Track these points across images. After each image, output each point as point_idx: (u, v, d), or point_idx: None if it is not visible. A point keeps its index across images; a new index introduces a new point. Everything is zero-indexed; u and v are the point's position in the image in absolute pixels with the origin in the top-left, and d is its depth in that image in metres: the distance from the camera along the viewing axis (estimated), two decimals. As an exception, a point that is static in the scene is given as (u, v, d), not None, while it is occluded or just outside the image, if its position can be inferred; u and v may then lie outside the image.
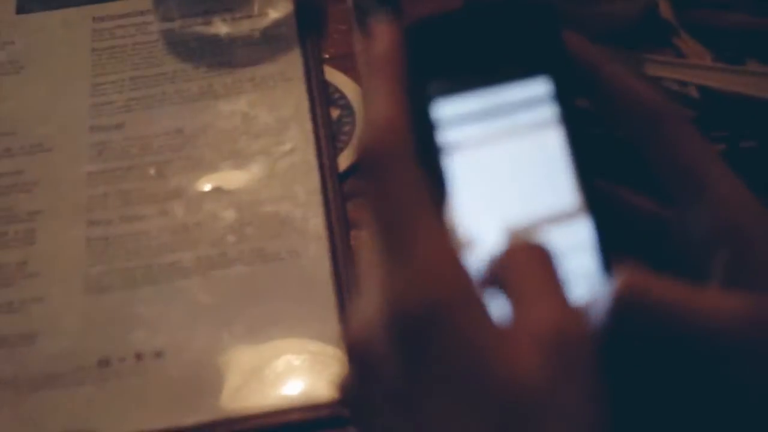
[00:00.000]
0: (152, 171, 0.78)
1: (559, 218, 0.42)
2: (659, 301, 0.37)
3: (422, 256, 0.36)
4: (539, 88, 0.43)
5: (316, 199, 0.75)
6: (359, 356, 0.39)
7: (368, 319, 0.38)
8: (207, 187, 0.77)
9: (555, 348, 0.35)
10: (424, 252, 0.36)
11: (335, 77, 0.84)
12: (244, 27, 0.87)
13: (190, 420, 0.64)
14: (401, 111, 0.38)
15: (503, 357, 0.35)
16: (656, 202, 0.45)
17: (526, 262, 0.38)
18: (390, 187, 0.37)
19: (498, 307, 0.38)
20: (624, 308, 0.37)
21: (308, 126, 0.80)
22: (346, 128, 0.80)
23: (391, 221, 0.37)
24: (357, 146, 0.39)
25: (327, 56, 0.85)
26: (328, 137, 0.79)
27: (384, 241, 0.37)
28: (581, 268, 0.42)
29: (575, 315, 0.36)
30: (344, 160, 0.78)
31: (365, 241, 0.41)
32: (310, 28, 0.87)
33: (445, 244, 0.37)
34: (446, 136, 0.41)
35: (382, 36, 0.41)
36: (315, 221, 0.74)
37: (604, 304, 0.38)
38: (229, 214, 0.75)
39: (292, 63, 0.84)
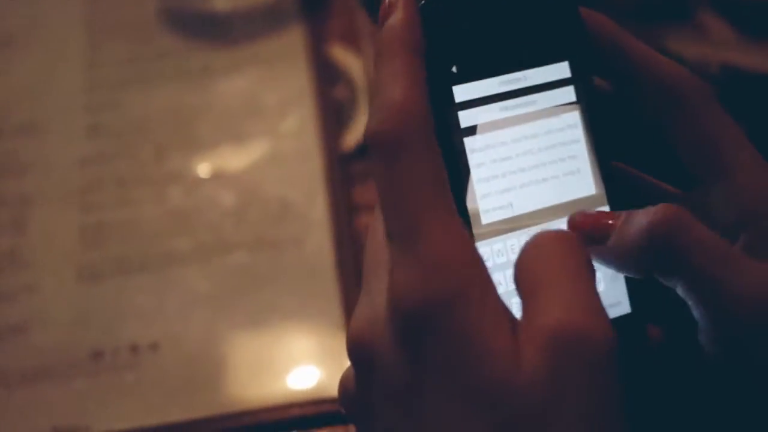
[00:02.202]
0: (149, 153, 0.76)
1: (577, 202, 0.42)
2: (696, 238, 0.37)
3: (433, 250, 0.34)
4: (557, 69, 0.42)
5: (319, 183, 0.73)
6: (360, 353, 0.37)
7: (371, 315, 0.37)
8: (205, 170, 0.75)
9: (561, 348, 0.33)
10: (435, 246, 0.34)
11: (340, 55, 0.82)
12: (245, 2, 0.85)
13: (187, 416, 0.62)
14: (420, 92, 0.36)
15: (506, 359, 0.33)
16: (676, 182, 0.44)
17: (540, 253, 0.36)
18: (404, 175, 0.35)
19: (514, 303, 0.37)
20: (661, 235, 0.37)
21: (311, 106, 0.78)
22: (351, 109, 0.78)
23: (403, 211, 0.35)
24: (367, 129, 0.36)
25: (331, 33, 0.83)
26: (331, 118, 0.77)
27: (393, 233, 0.35)
28: None
29: (584, 311, 0.34)
30: (348, 143, 0.75)
31: (371, 231, 0.39)
32: (313, 3, 0.85)
33: (459, 239, 0.35)
34: (462, 118, 0.40)
35: (398, 10, 0.39)
36: (317, 206, 0.72)
37: (643, 224, 0.37)
38: (229, 199, 0.73)
39: (295, 40, 0.82)
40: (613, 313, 0.41)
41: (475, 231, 0.39)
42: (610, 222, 0.39)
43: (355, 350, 0.37)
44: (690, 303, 0.37)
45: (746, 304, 0.36)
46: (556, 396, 0.33)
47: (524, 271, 0.36)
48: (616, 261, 0.39)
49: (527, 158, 0.41)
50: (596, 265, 0.40)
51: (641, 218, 0.38)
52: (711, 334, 0.37)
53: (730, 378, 0.38)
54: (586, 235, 0.39)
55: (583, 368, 0.33)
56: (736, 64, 0.70)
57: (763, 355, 0.37)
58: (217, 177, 0.74)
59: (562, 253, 0.36)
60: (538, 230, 0.40)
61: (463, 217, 0.39)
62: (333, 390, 0.40)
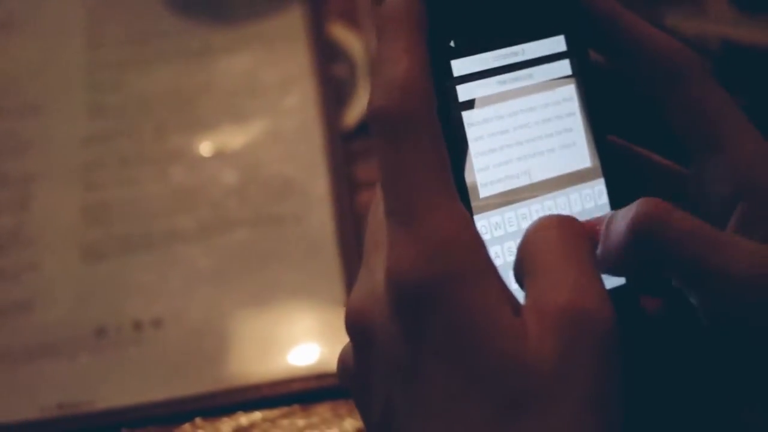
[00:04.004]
0: (150, 132, 0.76)
1: (573, 175, 0.41)
2: (679, 228, 0.36)
3: (433, 228, 0.34)
4: (554, 43, 0.42)
5: (320, 161, 0.73)
6: (358, 328, 0.37)
7: (370, 291, 0.36)
8: (207, 149, 0.75)
9: (566, 327, 0.33)
10: (435, 225, 0.34)
11: (341, 33, 0.82)
12: (245, -19, 0.85)
13: (190, 391, 0.62)
14: (422, 69, 0.36)
15: (511, 335, 0.33)
16: (672, 159, 0.44)
17: (545, 236, 0.36)
18: (406, 152, 0.35)
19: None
20: (643, 232, 0.36)
21: (311, 84, 0.78)
22: (351, 87, 0.78)
23: (404, 188, 0.35)
24: (369, 106, 0.36)
25: (331, 11, 0.83)
26: (332, 96, 0.77)
27: (395, 209, 0.35)
28: None
29: (590, 292, 0.34)
30: (349, 120, 0.76)
31: (373, 208, 0.39)
32: (314, -19, 0.84)
33: (459, 218, 0.35)
34: (460, 92, 0.40)
35: None
36: (319, 183, 0.72)
37: (623, 226, 0.36)
38: (230, 177, 0.73)
39: (295, 19, 0.82)
40: (608, 284, 0.41)
41: (473, 204, 0.39)
42: (597, 228, 0.38)
43: (353, 325, 0.37)
44: (685, 292, 0.37)
45: (739, 286, 0.36)
46: (563, 374, 0.33)
47: (527, 253, 0.36)
48: (610, 267, 0.38)
49: (524, 132, 0.41)
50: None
51: (621, 219, 0.37)
52: (710, 318, 0.37)
53: (730, 353, 0.38)
54: None
55: (591, 347, 0.33)
56: (735, 40, 0.70)
57: (760, 331, 0.36)
58: (219, 155, 0.74)
59: (565, 236, 0.36)
60: (535, 203, 0.40)
61: (461, 190, 0.39)
62: (334, 365, 0.40)
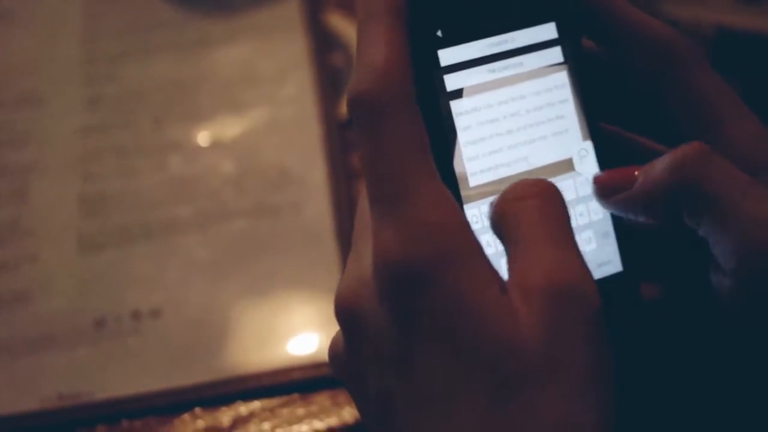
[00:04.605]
0: (148, 123, 0.76)
1: (566, 162, 0.41)
2: (719, 169, 0.37)
3: (418, 209, 0.34)
4: (544, 30, 0.41)
5: (317, 150, 0.73)
6: (348, 315, 0.37)
7: (358, 276, 0.36)
8: (205, 139, 0.75)
9: (553, 305, 0.33)
10: (419, 208, 0.34)
11: (338, 22, 0.82)
12: (241, -29, 0.85)
13: (190, 380, 0.63)
14: (401, 54, 0.36)
15: (500, 316, 0.33)
16: (667, 145, 0.43)
17: (526, 206, 0.36)
18: (385, 136, 0.35)
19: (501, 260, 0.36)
20: (687, 167, 0.37)
21: (308, 74, 0.78)
22: (348, 76, 0.78)
23: (386, 172, 0.35)
24: (348, 91, 0.36)
25: (327, 1, 0.83)
26: (328, 85, 0.77)
27: (378, 194, 0.35)
28: (587, 214, 0.41)
29: (574, 268, 0.34)
30: (346, 109, 0.75)
31: (362, 195, 0.39)
32: (310, -30, 0.84)
33: (443, 200, 0.35)
34: (448, 82, 0.40)
35: None
36: (316, 173, 0.72)
37: (667, 162, 0.37)
38: (228, 167, 0.73)
39: (291, 8, 0.82)
40: (605, 271, 0.41)
41: (463, 193, 0.39)
42: (635, 172, 0.39)
43: (342, 313, 0.37)
44: (714, 237, 0.37)
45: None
46: (556, 351, 0.33)
47: (507, 223, 0.36)
48: (643, 204, 0.38)
49: (515, 120, 0.41)
50: (587, 224, 0.40)
51: (666, 158, 0.37)
52: (732, 266, 0.37)
53: (748, 316, 0.37)
54: (611, 187, 0.39)
55: (580, 323, 0.33)
56: (730, 26, 0.70)
57: None
58: (216, 145, 0.74)
59: (546, 208, 0.36)
60: None
61: (451, 180, 0.39)
62: (331, 349, 0.40)
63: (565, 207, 0.36)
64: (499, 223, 0.36)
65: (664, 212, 0.38)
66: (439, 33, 0.40)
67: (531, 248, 0.35)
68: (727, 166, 0.37)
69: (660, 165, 0.38)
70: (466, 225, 0.35)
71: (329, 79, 0.77)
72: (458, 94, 0.40)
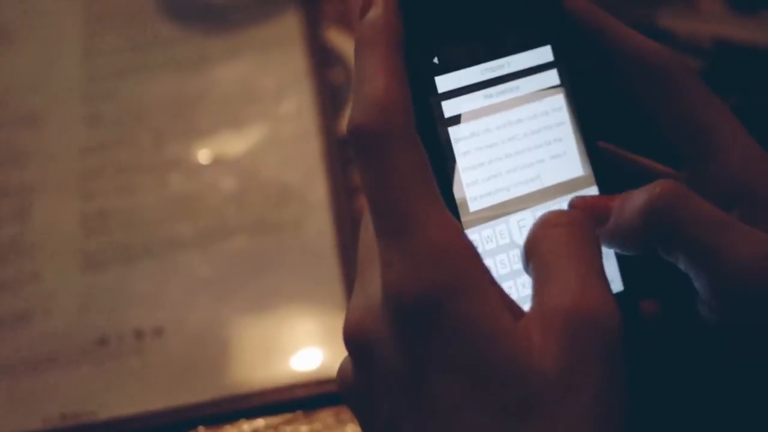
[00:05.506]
0: (148, 141, 0.76)
1: (566, 185, 0.41)
2: (693, 210, 0.37)
3: (425, 241, 0.34)
4: (540, 53, 0.42)
5: (318, 166, 0.73)
6: (358, 344, 0.37)
7: (367, 305, 0.36)
8: (205, 156, 0.75)
9: (570, 331, 0.33)
10: (426, 237, 0.34)
11: (337, 38, 0.82)
12: (240, -12, 0.85)
13: (193, 399, 0.62)
14: (401, 84, 0.36)
15: (514, 341, 0.33)
16: (664, 164, 0.44)
17: (553, 234, 0.36)
18: (390, 169, 0.35)
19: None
20: (659, 209, 0.37)
21: (308, 90, 0.78)
22: (348, 92, 0.78)
23: (392, 204, 0.35)
24: (349, 124, 0.36)
25: (326, 17, 0.83)
26: (329, 101, 0.77)
27: (385, 225, 0.35)
28: None
29: (596, 296, 0.34)
30: (346, 125, 0.75)
31: (364, 222, 0.39)
32: (309, -13, 0.84)
33: (450, 229, 0.35)
34: (446, 108, 0.40)
35: (377, 4, 0.38)
36: (317, 188, 0.72)
37: (640, 203, 0.37)
38: (229, 184, 0.73)
39: (291, 25, 0.82)
40: None
41: (463, 219, 0.39)
42: (609, 203, 0.39)
43: (352, 341, 0.37)
44: (692, 275, 0.37)
45: (747, 271, 0.36)
46: (569, 379, 0.33)
47: (535, 251, 0.36)
48: (617, 241, 0.39)
49: (513, 144, 0.41)
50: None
51: (638, 195, 0.37)
52: (713, 305, 0.37)
53: (732, 346, 0.38)
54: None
55: (597, 351, 0.33)
56: (728, 38, 0.70)
57: (764, 321, 0.37)
58: (217, 162, 0.74)
59: (574, 236, 0.36)
60: (527, 215, 0.40)
61: (451, 205, 0.39)
62: (336, 370, 0.40)
63: (594, 236, 0.37)
64: (531, 248, 0.36)
65: (641, 250, 0.39)
66: (435, 60, 0.40)
67: (556, 275, 0.35)
68: (701, 207, 0.37)
69: (633, 204, 0.38)
70: (474, 252, 0.35)
71: (329, 95, 0.78)
72: (456, 120, 0.40)
